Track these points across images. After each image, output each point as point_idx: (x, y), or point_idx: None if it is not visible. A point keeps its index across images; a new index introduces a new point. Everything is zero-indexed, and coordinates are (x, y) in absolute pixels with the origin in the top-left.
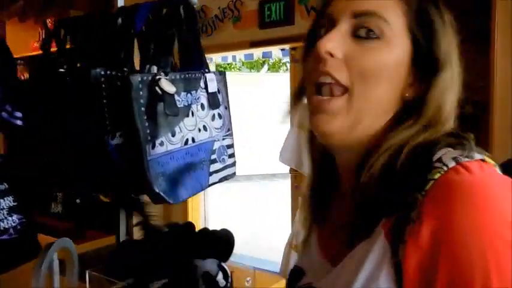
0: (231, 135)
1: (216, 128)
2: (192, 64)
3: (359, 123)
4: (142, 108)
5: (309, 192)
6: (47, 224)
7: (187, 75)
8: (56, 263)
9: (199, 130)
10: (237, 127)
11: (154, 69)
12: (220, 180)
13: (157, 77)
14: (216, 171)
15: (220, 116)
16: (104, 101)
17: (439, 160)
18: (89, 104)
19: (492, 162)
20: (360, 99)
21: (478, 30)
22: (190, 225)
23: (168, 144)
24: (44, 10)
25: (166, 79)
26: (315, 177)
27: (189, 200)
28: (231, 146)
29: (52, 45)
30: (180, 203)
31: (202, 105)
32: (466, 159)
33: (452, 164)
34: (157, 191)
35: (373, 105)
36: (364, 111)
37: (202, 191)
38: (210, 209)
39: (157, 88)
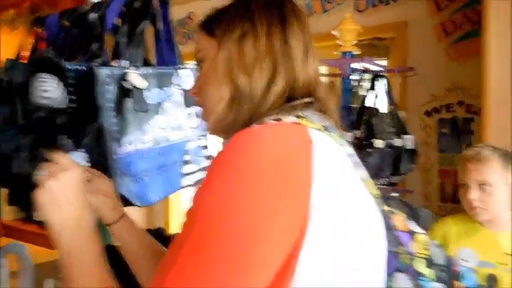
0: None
1: (191, 128)
2: (166, 60)
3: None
4: (111, 104)
5: None
6: (33, 232)
7: (160, 71)
8: (5, 271)
9: (173, 129)
10: None
11: (126, 63)
12: (196, 183)
13: (127, 71)
14: (190, 174)
15: (197, 114)
16: (73, 97)
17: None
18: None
19: (306, 123)
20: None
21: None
22: (161, 231)
23: (138, 143)
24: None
25: (138, 73)
26: None
27: (172, 202)
28: (207, 147)
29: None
30: (161, 206)
31: (176, 103)
32: (271, 121)
33: (255, 126)
34: (123, 193)
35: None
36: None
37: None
38: None
39: (126, 83)
